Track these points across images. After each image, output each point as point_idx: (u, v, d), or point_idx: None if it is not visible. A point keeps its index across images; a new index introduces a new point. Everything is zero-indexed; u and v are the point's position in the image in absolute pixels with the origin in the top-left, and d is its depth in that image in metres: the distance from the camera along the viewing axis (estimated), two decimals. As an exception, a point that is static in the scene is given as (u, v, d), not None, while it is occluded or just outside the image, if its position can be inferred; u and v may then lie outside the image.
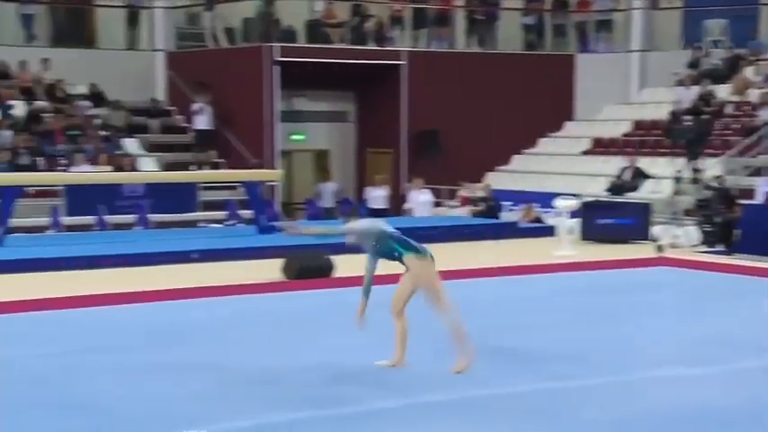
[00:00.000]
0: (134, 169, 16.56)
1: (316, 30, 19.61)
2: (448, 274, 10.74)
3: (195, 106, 18.64)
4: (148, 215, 15.21)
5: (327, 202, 18.08)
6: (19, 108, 17.61)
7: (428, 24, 20.67)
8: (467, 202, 17.43)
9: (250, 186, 13.75)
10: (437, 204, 17.92)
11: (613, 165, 17.79)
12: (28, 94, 18.05)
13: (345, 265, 10.88)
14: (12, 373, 6.30)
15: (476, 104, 19.69)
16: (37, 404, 5.62)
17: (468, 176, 18.04)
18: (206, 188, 16.79)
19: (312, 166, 20.42)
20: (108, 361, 6.70)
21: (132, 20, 20.23)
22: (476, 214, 16.43)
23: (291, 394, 5.95)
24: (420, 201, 17.13)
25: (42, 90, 18.25)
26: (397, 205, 18.17)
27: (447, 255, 12.71)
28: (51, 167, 16.07)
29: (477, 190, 17.27)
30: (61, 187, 15.32)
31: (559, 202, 13.42)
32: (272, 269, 10.59)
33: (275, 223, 13.61)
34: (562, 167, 18.95)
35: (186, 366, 6.60)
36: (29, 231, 14.16)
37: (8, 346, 7.10)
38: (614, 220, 14.08)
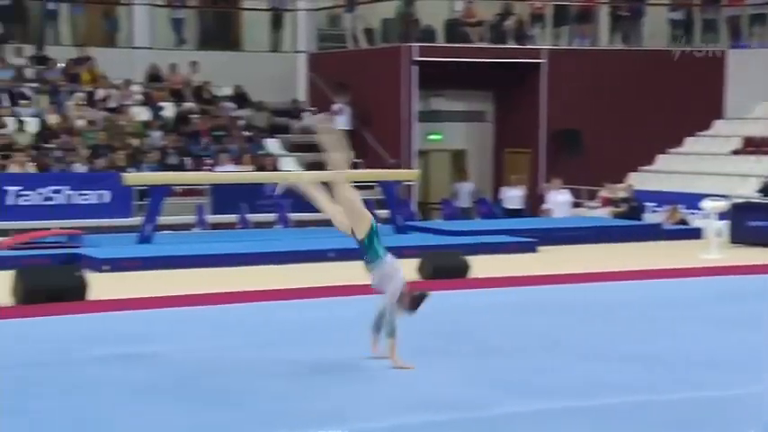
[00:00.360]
0: (275, 169, 16.86)
1: (455, 29, 19.49)
2: (590, 277, 10.51)
3: (335, 107, 18.82)
4: (288, 214, 15.45)
5: (464, 202, 17.95)
6: (168, 109, 18.22)
7: (570, 21, 20.23)
8: (608, 202, 16.96)
9: (387, 186, 13.77)
10: (576, 205, 17.51)
11: (766, 165, 16.94)
12: (177, 95, 18.66)
13: (481, 265, 10.75)
14: (158, 368, 6.43)
15: (619, 103, 19.13)
16: (180, 398, 5.71)
17: (609, 177, 17.55)
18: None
19: (449, 165, 20.31)
20: (246, 357, 6.77)
21: (276, 22, 20.63)
22: (617, 215, 15.97)
23: (425, 396, 5.87)
24: (558, 201, 16.78)
25: (190, 92, 18.84)
26: (534, 205, 17.87)
27: (588, 256, 12.42)
28: (197, 167, 16.56)
29: (618, 190, 16.78)
30: (207, 186, 15.77)
31: (707, 204, 12.88)
32: (408, 269, 10.51)
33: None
34: (710, 167, 18.20)
35: (320, 364, 6.60)
36: (176, 229, 14.62)
37: (154, 341, 7.27)
38: (767, 222, 13.41)
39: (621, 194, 16.50)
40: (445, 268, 10.53)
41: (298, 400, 5.75)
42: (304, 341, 7.41)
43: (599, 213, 16.92)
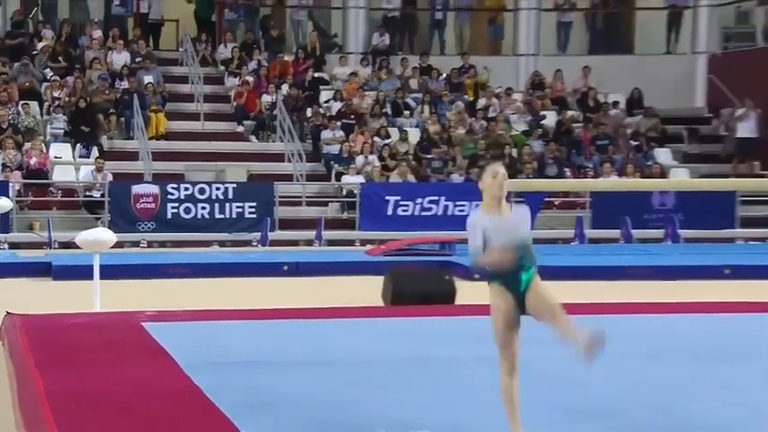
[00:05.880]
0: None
1: None
2: None
3: (739, 112, 17.92)
4: (679, 230, 14.95)
5: None
6: (550, 118, 18.46)
7: None
8: None
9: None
10: None
11: None
12: (560, 103, 18.84)
13: None
14: (523, 373, 6.40)
15: None
16: (541, 402, 5.61)
17: None
18: (745, 203, 16.03)
19: None
20: (623, 367, 6.54)
21: (673, 22, 20.14)
22: None
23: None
24: None
25: (575, 99, 18.95)
26: None
27: None
28: (578, 178, 16.57)
29: None
30: (587, 199, 15.72)
31: None
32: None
33: None
34: None
35: (698, 380, 6.25)
36: (553, 242, 14.72)
37: (532, 347, 7.25)
38: None
39: None
40: None
41: (677, 412, 5.45)
42: (688, 355, 7.02)
43: None
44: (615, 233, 14.91)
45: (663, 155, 17.81)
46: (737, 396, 5.87)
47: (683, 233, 15.01)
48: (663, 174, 16.84)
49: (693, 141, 18.71)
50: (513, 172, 16.44)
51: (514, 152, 17.07)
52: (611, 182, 15.43)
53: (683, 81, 19.60)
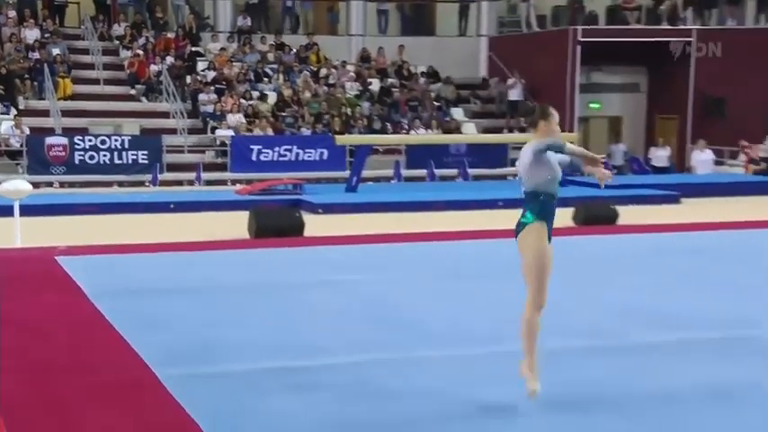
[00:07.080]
0: (459, 133, 16.55)
1: (615, 13, 18.33)
2: (726, 225, 9.62)
3: (510, 81, 18.23)
4: (468, 170, 15.16)
5: (617, 160, 16.97)
6: (375, 84, 18.24)
7: (719, 4, 18.49)
8: (750, 160, 15.52)
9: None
10: (718, 163, 16.15)
11: None
12: (382, 73, 18.64)
13: (629, 214, 10.08)
14: (352, 294, 6.35)
15: (761, 76, 17.33)
16: (365, 319, 5.59)
17: (749, 139, 16.05)
18: (515, 148, 16.41)
19: (607, 130, 19.26)
20: (430, 287, 6.57)
21: (463, 12, 20.18)
22: (756, 173, 14.58)
23: (574, 325, 5.48)
24: (701, 160, 15.56)
25: (393, 70, 18.77)
26: (680, 163, 16.64)
27: (726, 208, 11.41)
28: (396, 131, 16.51)
29: (759, 150, 15.30)
30: (402, 146, 15.70)
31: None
32: (564, 217, 10.03)
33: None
34: None
35: (481, 295, 6.34)
36: (377, 181, 14.69)
37: (353, 271, 7.21)
38: None
39: (762, 154, 15.05)
40: (597, 216, 9.96)
41: (462, 322, 5.52)
42: (477, 274, 7.11)
43: (739, 171, 15.53)
44: (423, 173, 14.98)
45: (457, 113, 17.95)
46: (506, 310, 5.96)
47: (472, 172, 15.22)
48: (458, 126, 17.00)
49: (478, 102, 18.94)
50: (349, 127, 16.29)
51: (349, 111, 16.82)
52: (421, 137, 15.45)
53: (471, 57, 19.75)
